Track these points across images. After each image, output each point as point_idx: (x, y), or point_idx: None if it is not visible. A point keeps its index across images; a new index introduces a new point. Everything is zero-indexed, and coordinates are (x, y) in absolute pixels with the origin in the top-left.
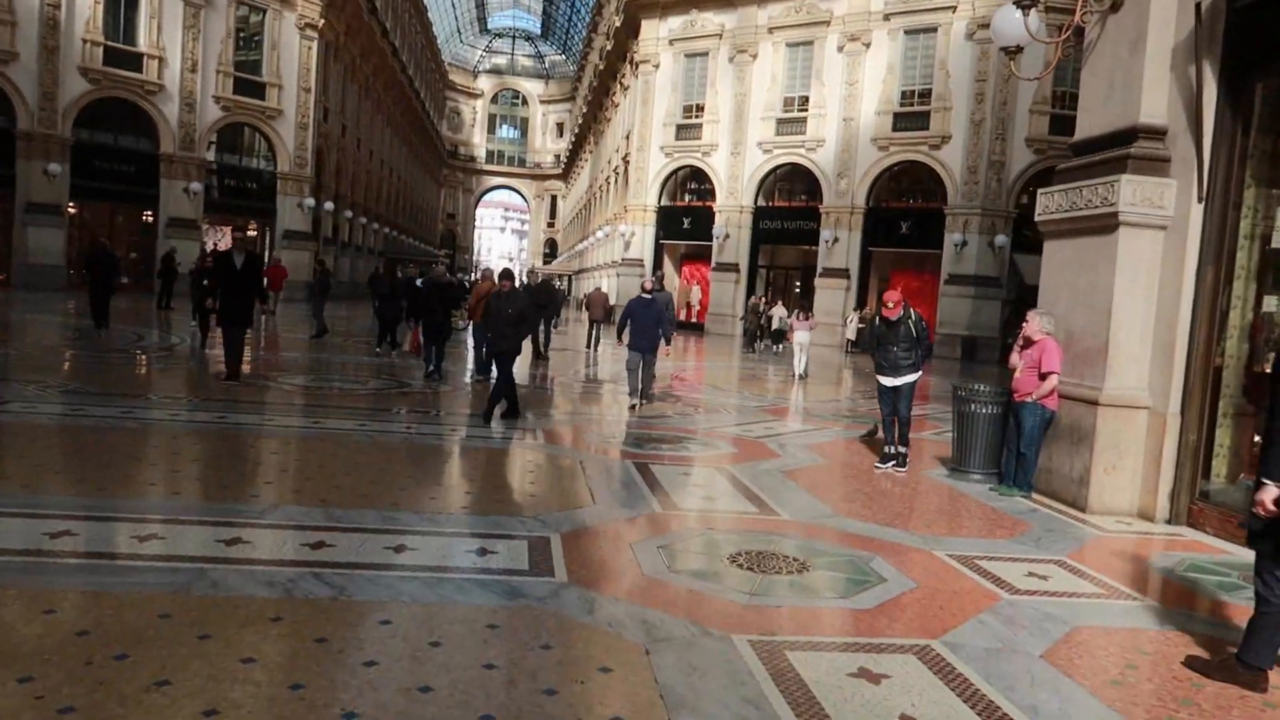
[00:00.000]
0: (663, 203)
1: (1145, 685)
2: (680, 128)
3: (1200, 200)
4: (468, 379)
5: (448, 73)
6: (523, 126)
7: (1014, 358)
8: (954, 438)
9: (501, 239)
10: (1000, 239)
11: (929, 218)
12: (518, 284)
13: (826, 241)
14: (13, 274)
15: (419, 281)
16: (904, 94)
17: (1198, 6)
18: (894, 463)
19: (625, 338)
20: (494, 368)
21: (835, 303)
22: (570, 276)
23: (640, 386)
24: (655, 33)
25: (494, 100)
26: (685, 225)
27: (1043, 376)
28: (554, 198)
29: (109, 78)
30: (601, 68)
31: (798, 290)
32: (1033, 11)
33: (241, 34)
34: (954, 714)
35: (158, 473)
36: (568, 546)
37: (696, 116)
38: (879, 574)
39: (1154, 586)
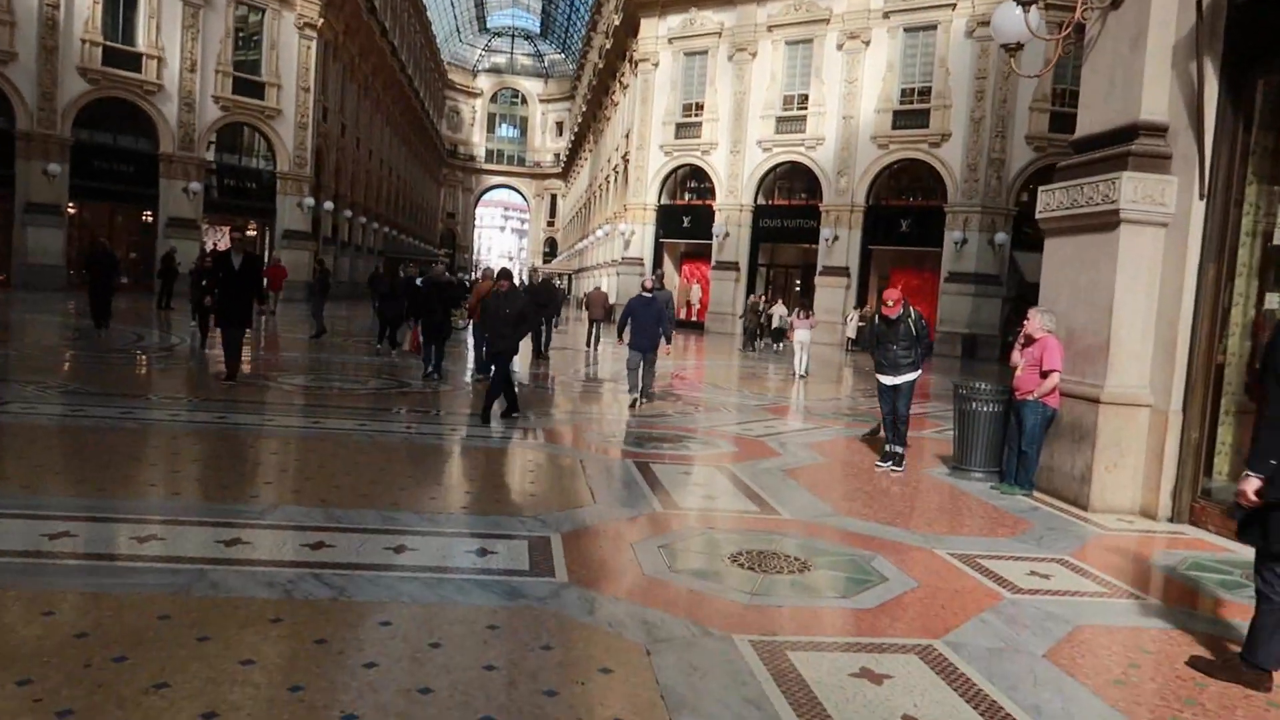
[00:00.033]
0: (662, 201)
1: (1148, 685)
2: (680, 126)
3: (1202, 197)
4: (468, 378)
5: (447, 72)
6: (522, 125)
7: (1015, 355)
8: (955, 436)
9: (501, 238)
10: (1000, 236)
11: (929, 215)
12: (519, 283)
13: (826, 240)
14: (12, 274)
15: (419, 281)
16: (904, 92)
17: (1199, 2)
18: (891, 462)
19: (626, 336)
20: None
21: (835, 301)
22: (570, 275)
23: (641, 385)
24: (654, 31)
25: (493, 99)
26: (685, 224)
27: (1044, 374)
28: (553, 197)
29: (108, 78)
30: (601, 66)
31: (798, 289)
32: (1033, 8)
33: (240, 34)
34: (957, 714)
35: (157, 473)
36: (568, 546)
37: (696, 115)
38: (880, 573)
39: (1156, 585)
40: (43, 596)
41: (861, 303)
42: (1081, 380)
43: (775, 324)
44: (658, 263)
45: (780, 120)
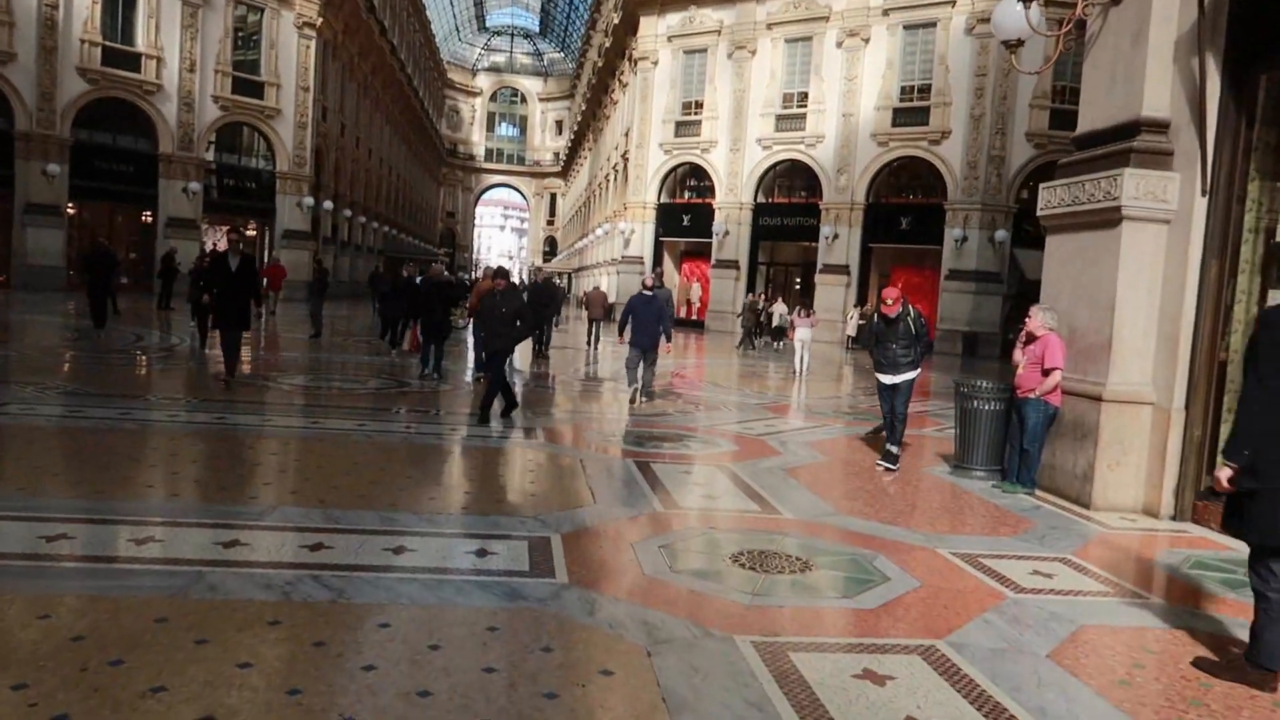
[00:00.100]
0: (662, 200)
1: (1153, 685)
2: (679, 124)
3: (1204, 194)
4: (468, 377)
5: (446, 71)
6: (522, 124)
7: (1017, 353)
8: (956, 434)
9: (501, 237)
10: (1000, 234)
11: (929, 213)
12: (520, 282)
13: (826, 238)
14: (12, 275)
15: (418, 280)
16: (903, 89)
17: None
18: (886, 462)
19: (626, 335)
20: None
21: (836, 299)
22: (570, 274)
23: (641, 383)
24: (654, 29)
25: (493, 98)
26: (685, 222)
27: (1046, 372)
28: (553, 195)
29: (107, 78)
30: (600, 65)
31: (798, 287)
32: (1034, 4)
33: (239, 33)
34: (960, 716)
35: (156, 474)
36: (568, 547)
37: (695, 113)
38: (882, 573)
39: (1159, 584)
40: (39, 599)
41: (862, 301)
42: (1083, 378)
43: (776, 322)
44: (657, 261)
45: (780, 118)
